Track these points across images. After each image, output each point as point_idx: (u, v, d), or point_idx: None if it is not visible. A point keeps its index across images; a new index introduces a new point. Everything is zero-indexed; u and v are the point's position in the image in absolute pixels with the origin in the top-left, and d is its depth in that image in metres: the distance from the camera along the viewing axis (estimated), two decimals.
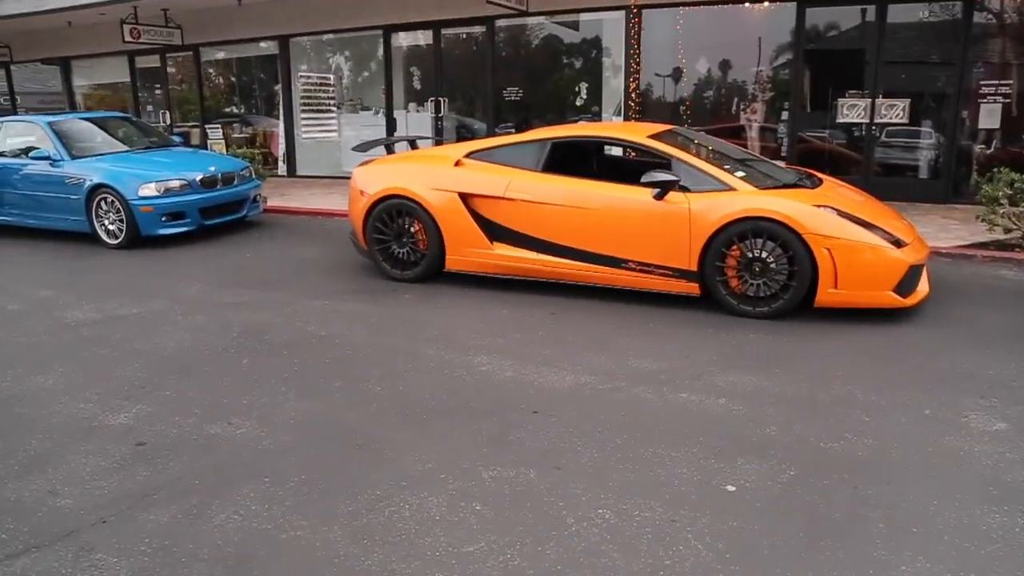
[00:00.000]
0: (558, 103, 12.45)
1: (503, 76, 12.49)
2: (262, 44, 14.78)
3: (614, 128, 5.94)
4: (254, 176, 9.58)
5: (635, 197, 5.37)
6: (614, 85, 11.79)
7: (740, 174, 5.38)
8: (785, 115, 10.67)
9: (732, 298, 5.23)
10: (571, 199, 5.59)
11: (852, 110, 10.10)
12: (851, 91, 10.16)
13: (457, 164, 6.16)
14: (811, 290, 5.01)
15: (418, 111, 13.67)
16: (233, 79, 16.06)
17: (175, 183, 8.39)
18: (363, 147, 6.88)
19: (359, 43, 14.10)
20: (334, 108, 14.79)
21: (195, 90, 15.77)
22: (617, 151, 7.24)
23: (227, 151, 15.08)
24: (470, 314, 5.49)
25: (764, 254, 5.07)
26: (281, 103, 14.71)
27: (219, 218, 8.80)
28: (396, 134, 13.52)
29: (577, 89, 12.09)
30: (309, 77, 14.76)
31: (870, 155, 10.21)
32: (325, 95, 14.75)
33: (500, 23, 12.25)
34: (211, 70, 15.92)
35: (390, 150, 7.13)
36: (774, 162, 6.67)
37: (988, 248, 7.09)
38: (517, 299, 5.80)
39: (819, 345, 4.70)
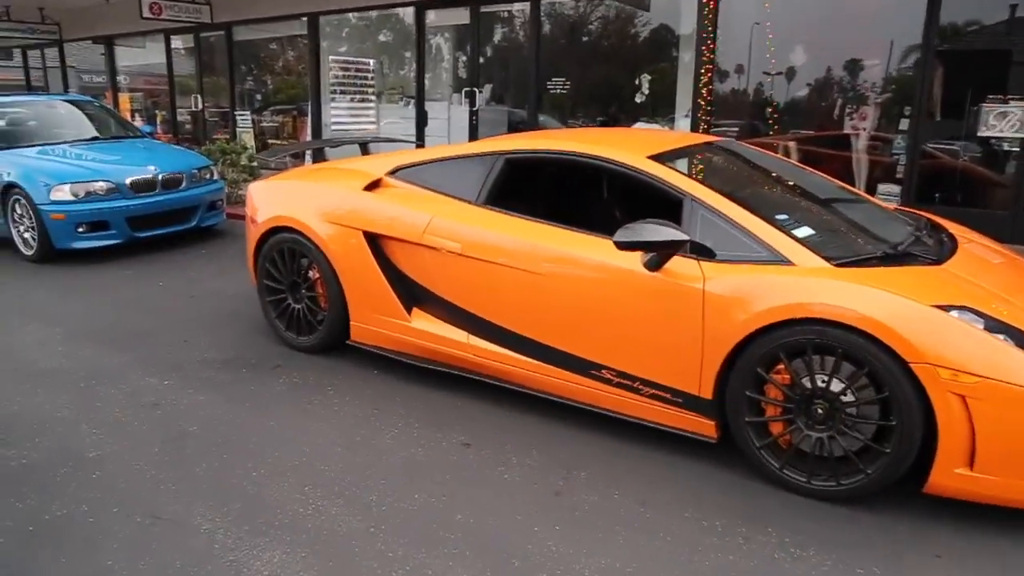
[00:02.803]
0: (614, 99, 10.20)
1: (550, 64, 10.32)
2: (296, 23, 13.14)
3: (599, 140, 3.70)
4: (215, 176, 7.82)
5: (615, 263, 3.14)
6: (688, 80, 9.41)
7: (804, 232, 3.06)
8: (905, 123, 7.99)
9: (772, 455, 2.94)
10: (518, 255, 3.42)
11: (1002, 120, 7.35)
12: (999, 95, 7.42)
13: (374, 185, 4.10)
14: (921, 460, 2.67)
15: (462, 104, 11.69)
16: (266, 62, 14.53)
17: (98, 185, 6.73)
18: (272, 154, 4.92)
19: (394, 23, 12.26)
20: (373, 97, 13.00)
21: (226, 73, 14.33)
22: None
23: (254, 142, 13.67)
24: (340, 432, 3.42)
25: (835, 386, 2.77)
26: (309, 90, 13.05)
27: (158, 229, 7.10)
28: (427, 129, 11.59)
29: (638, 83, 9.76)
30: (346, 62, 12.99)
31: (1022, 180, 7.43)
32: (362, 82, 12.96)
33: None
34: (244, 52, 14.45)
35: (322, 156, 5.15)
36: (877, 201, 4.22)
37: None
38: (432, 402, 3.69)
39: None
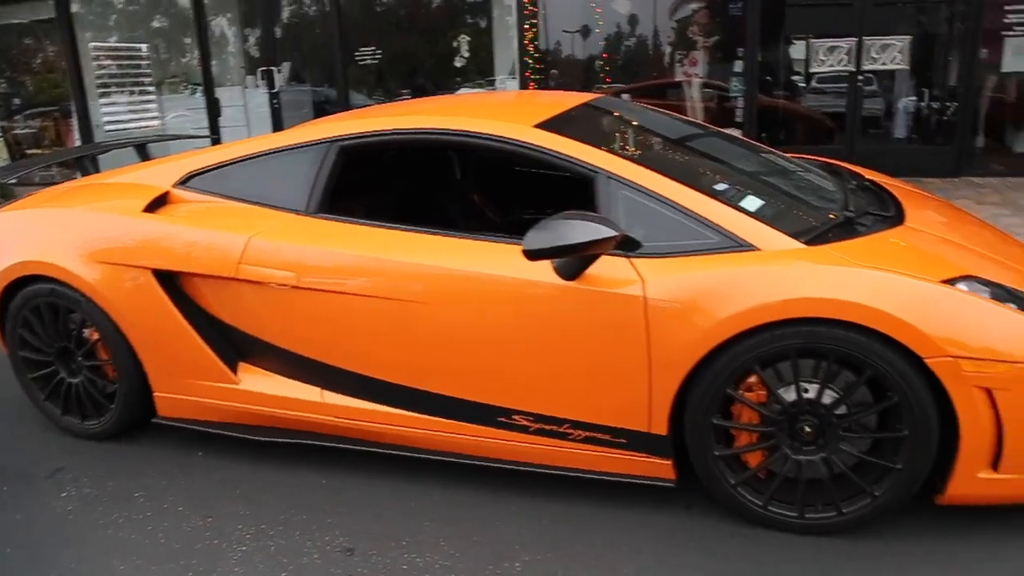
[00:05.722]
0: (432, 66, 9.33)
1: (356, 32, 9.22)
2: (42, 5, 10.97)
3: (459, 109, 2.85)
4: None
5: (512, 274, 2.33)
6: (510, 38, 8.72)
7: (753, 204, 2.38)
8: (739, 65, 7.77)
9: (751, 492, 2.29)
10: (375, 278, 2.50)
11: (832, 55, 7.28)
12: (828, 32, 7.37)
13: (159, 203, 2.99)
14: (937, 470, 2.13)
15: (257, 86, 10.28)
16: (12, 56, 12.13)
17: None
18: (7, 172, 3.61)
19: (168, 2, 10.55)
20: (152, 88, 11.21)
21: None
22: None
23: (8, 153, 11.48)
24: (162, 569, 2.38)
25: (825, 397, 2.15)
26: (71, 86, 11.00)
27: None
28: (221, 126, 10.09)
29: (456, 44, 8.94)
30: (112, 49, 11.07)
31: (855, 114, 7.45)
32: (136, 72, 11.13)
33: None
34: None
35: (85, 169, 3.88)
36: (769, 148, 3.65)
37: None
38: (287, 489, 2.72)
39: None
